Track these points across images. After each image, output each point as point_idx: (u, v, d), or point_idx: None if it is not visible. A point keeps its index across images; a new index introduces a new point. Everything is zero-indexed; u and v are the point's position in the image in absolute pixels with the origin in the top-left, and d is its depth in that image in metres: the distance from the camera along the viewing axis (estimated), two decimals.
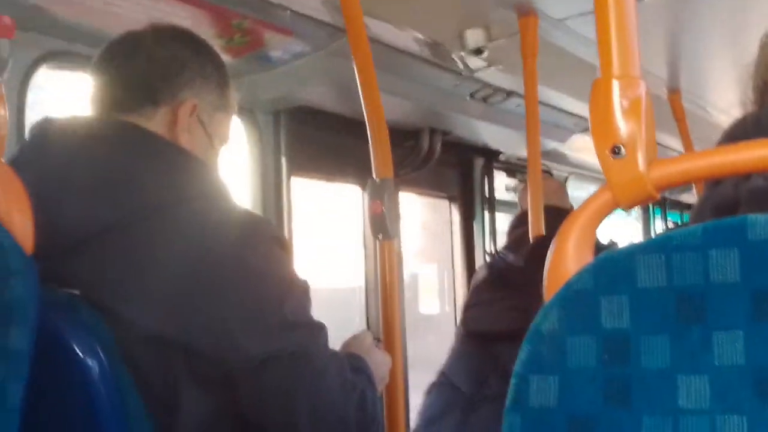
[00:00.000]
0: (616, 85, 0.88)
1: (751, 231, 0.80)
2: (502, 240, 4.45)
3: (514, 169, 4.44)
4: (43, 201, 1.37)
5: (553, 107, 3.57)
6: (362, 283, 3.56)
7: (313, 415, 1.46)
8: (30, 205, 1.25)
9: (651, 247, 0.83)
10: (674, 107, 3.67)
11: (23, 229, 1.23)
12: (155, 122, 1.60)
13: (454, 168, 4.11)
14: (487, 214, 4.25)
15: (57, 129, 1.56)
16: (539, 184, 2.80)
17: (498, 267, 3.55)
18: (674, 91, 3.64)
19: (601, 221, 0.91)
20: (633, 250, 0.84)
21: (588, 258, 0.89)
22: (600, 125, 0.88)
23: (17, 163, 1.47)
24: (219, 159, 1.72)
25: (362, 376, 1.63)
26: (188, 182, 1.55)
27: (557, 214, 2.41)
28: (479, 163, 4.18)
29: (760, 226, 0.80)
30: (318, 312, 1.56)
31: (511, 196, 4.46)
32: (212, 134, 1.67)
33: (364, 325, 3.47)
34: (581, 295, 0.85)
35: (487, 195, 4.24)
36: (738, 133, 1.11)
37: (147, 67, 1.61)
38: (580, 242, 0.90)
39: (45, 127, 1.57)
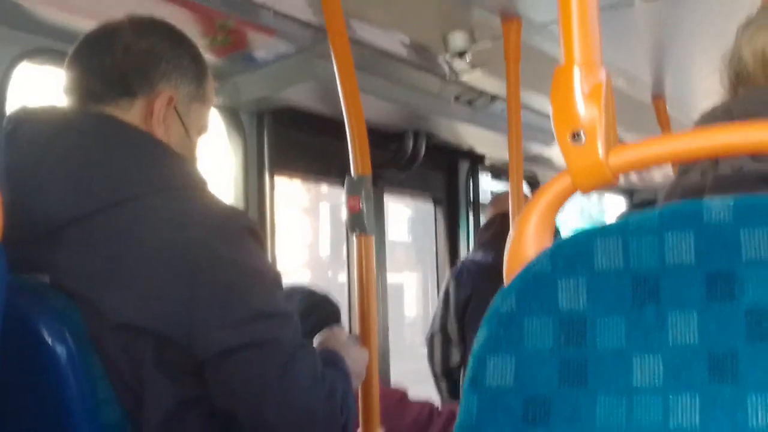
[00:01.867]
0: (577, 71, 0.89)
1: (707, 214, 0.81)
2: None
3: (499, 172, 4.45)
4: (15, 189, 1.38)
5: (538, 112, 3.58)
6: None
7: (281, 404, 1.47)
8: (0, 192, 1.25)
9: (609, 230, 0.85)
10: (659, 113, 3.69)
11: None
12: (131, 114, 1.60)
13: (439, 171, 4.13)
14: (472, 217, 4.26)
15: (31, 118, 1.57)
16: (521, 188, 2.81)
17: (467, 268, 3.66)
18: (659, 97, 3.66)
19: (561, 206, 0.92)
20: (591, 234, 0.85)
21: (547, 242, 0.90)
22: (561, 111, 0.89)
23: None
24: (197, 150, 1.72)
25: (336, 370, 1.64)
26: (162, 173, 1.55)
27: None
28: (464, 166, 4.20)
29: (715, 209, 0.81)
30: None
31: None
32: (189, 126, 1.67)
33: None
34: (539, 277, 0.87)
35: (472, 198, 4.25)
36: (709, 123, 1.13)
37: (123, 58, 1.61)
38: (539, 227, 0.91)
39: (20, 116, 1.58)
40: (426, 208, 4.35)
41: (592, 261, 0.84)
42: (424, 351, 3.84)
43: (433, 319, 3.81)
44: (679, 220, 0.82)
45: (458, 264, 3.90)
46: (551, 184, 0.91)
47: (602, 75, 0.89)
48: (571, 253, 0.86)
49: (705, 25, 2.90)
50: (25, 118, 1.57)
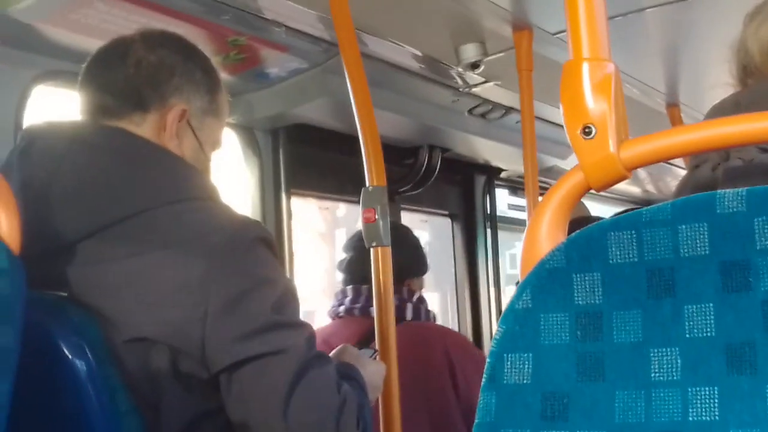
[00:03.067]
0: (585, 66, 0.89)
1: (720, 205, 0.81)
2: (504, 259, 4.46)
3: (516, 186, 4.44)
4: (30, 205, 1.39)
5: (553, 123, 3.57)
6: None
7: (296, 415, 1.46)
8: (17, 206, 1.26)
9: (622, 223, 0.85)
10: (673, 121, 3.67)
11: (10, 230, 1.24)
12: (144, 128, 1.61)
13: (455, 186, 4.11)
14: (489, 232, 4.24)
15: (44, 134, 1.58)
16: (536, 201, 2.80)
17: None
18: (673, 105, 3.65)
19: (574, 202, 0.92)
20: (604, 227, 0.85)
21: (561, 238, 0.90)
22: (571, 106, 0.90)
23: (4, 168, 1.49)
24: (210, 164, 1.73)
25: (351, 382, 1.63)
26: (175, 185, 1.56)
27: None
28: (481, 180, 4.18)
29: (728, 199, 0.81)
30: None
31: (515, 213, 4.47)
32: (203, 140, 1.68)
33: None
34: (554, 273, 0.86)
35: (489, 212, 4.23)
36: (717, 116, 1.12)
37: (135, 72, 1.61)
38: (553, 223, 0.91)
39: (33, 132, 1.59)
40: (442, 226, 4.31)
41: (607, 255, 0.84)
42: None
43: None
44: (693, 212, 0.82)
45: None
46: (564, 181, 0.91)
47: (611, 68, 0.89)
48: (585, 248, 0.85)
49: (718, 30, 2.88)
50: (39, 134, 1.58)
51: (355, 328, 2.72)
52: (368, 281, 2.49)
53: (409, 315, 2.75)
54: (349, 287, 2.86)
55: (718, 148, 1.03)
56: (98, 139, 1.57)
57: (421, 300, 2.87)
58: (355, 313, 2.77)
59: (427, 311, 2.85)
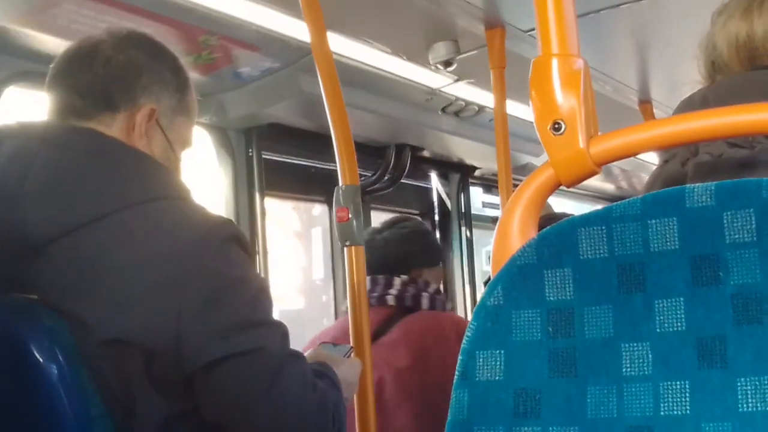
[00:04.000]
0: (555, 62, 0.89)
1: (689, 199, 0.81)
2: (480, 256, 4.47)
3: (490, 184, 4.45)
4: (0, 205, 1.37)
5: (526, 121, 3.58)
6: None
7: (272, 414, 1.46)
8: None
9: (592, 219, 0.85)
10: (646, 118, 3.69)
11: None
12: (114, 128, 1.59)
13: (428, 184, 4.12)
14: (464, 231, 4.24)
15: (14, 134, 1.56)
16: (509, 197, 2.80)
17: None
18: (645, 102, 3.66)
19: (545, 199, 0.92)
20: (575, 223, 0.85)
21: (532, 234, 0.90)
22: (540, 102, 0.90)
23: None
24: (181, 164, 1.71)
25: (326, 380, 1.62)
26: (145, 184, 1.54)
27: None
28: (455, 178, 4.19)
29: (697, 194, 0.81)
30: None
31: (489, 211, 4.47)
32: (172, 139, 1.66)
33: None
34: (525, 269, 0.86)
35: (463, 211, 4.23)
36: (686, 111, 1.13)
37: (104, 72, 1.59)
38: (524, 219, 0.91)
39: (2, 132, 1.56)
40: None
41: (577, 250, 0.84)
42: None
43: None
44: (662, 206, 0.82)
45: None
46: (534, 177, 0.91)
47: (580, 64, 0.89)
48: (556, 244, 0.85)
49: (689, 27, 2.89)
50: (8, 134, 1.56)
51: (371, 317, 2.73)
52: (383, 272, 2.56)
53: (425, 305, 2.75)
54: (367, 278, 2.88)
55: (687, 143, 1.04)
56: (69, 139, 1.55)
57: (438, 292, 2.86)
58: (372, 303, 2.77)
59: (444, 303, 2.85)
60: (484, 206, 4.50)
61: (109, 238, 1.46)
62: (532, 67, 0.91)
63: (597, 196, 5.61)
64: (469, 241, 4.24)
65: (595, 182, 5.15)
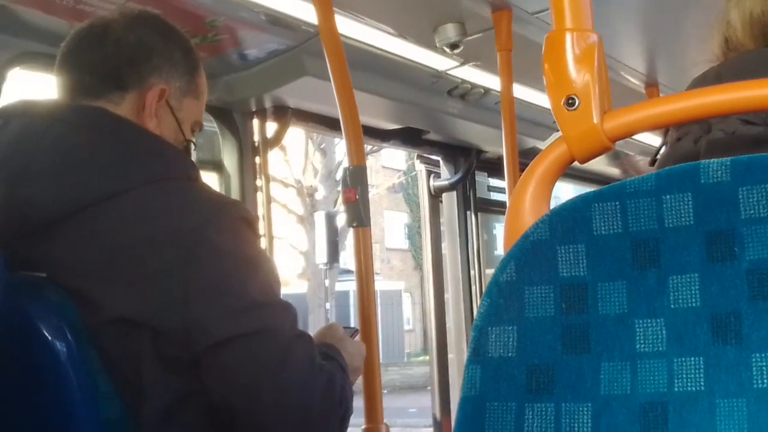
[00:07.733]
0: (568, 37, 0.89)
1: (704, 175, 0.80)
2: (486, 239, 4.46)
3: (496, 168, 4.43)
4: (8, 185, 1.37)
5: (532, 104, 3.57)
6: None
7: (278, 395, 1.45)
8: None
9: (606, 194, 0.84)
10: None
11: None
12: (123, 108, 1.59)
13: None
14: (471, 214, 4.23)
15: (22, 113, 1.56)
16: (516, 181, 2.79)
17: None
18: (652, 85, 3.65)
19: (558, 175, 0.91)
20: (589, 198, 0.84)
21: (545, 210, 0.89)
22: (554, 77, 0.89)
23: None
24: (191, 144, 1.71)
25: (332, 362, 1.62)
26: (155, 164, 1.54)
27: None
28: (461, 162, 4.18)
29: (712, 169, 0.80)
30: None
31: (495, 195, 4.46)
32: (182, 120, 1.66)
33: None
34: (538, 245, 0.86)
35: (470, 194, 4.22)
36: (700, 87, 1.12)
37: (114, 52, 1.60)
38: (536, 195, 0.90)
39: (8, 111, 1.57)
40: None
41: (591, 226, 0.84)
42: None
43: None
44: (677, 182, 0.81)
45: None
46: (547, 153, 0.91)
47: (593, 39, 0.88)
48: (569, 219, 0.85)
49: (697, 9, 2.88)
50: (15, 112, 1.56)
51: None
52: None
53: None
54: None
55: (700, 119, 1.03)
56: (77, 117, 1.55)
57: None
58: None
59: None
60: (489, 190, 4.48)
61: (118, 217, 1.46)
62: (545, 42, 0.90)
63: (602, 180, 5.59)
64: (478, 224, 4.22)
65: (602, 166, 5.14)
